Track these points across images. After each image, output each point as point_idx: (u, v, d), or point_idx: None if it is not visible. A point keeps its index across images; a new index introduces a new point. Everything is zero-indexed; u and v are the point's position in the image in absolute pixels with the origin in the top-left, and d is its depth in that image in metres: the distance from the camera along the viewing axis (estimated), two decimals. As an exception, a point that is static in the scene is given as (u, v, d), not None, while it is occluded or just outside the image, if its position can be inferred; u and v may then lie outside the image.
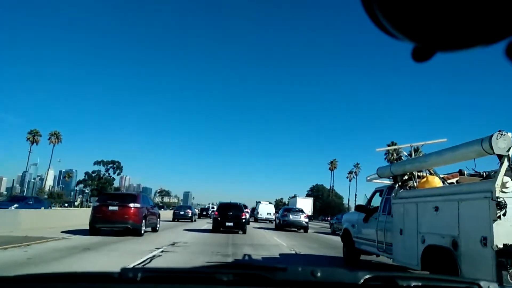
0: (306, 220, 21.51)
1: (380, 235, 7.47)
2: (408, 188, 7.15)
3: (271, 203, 39.13)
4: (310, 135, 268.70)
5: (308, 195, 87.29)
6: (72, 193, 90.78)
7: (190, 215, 27.37)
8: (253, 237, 15.50)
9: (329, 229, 24.95)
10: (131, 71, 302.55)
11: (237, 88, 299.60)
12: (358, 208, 8.81)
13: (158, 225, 14.93)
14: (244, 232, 16.15)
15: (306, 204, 44.35)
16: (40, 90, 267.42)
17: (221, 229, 15.88)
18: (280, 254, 10.35)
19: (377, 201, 8.69)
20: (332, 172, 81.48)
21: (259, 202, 38.67)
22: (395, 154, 50.94)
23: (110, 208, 11.99)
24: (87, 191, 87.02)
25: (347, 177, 78.37)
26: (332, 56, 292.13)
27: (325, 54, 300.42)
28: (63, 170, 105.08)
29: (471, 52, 0.55)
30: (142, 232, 12.48)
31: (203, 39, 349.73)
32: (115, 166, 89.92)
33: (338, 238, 18.05)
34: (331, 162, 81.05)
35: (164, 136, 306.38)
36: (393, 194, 7.20)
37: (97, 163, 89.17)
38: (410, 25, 0.53)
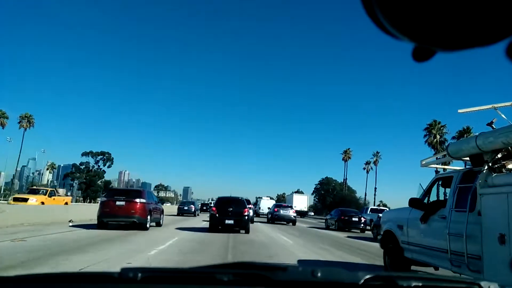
0: (294, 214, 26.44)
1: (455, 243, 5.58)
2: (504, 171, 5.07)
3: (272, 199, 42.92)
4: (313, 128, 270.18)
5: (316, 189, 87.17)
6: (72, 188, 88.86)
7: (193, 210, 31.77)
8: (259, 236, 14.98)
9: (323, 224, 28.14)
10: (132, 67, 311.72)
11: (238, 83, 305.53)
12: (413, 203, 6.70)
13: (162, 220, 16.47)
14: (247, 232, 14.82)
15: (302, 201, 50.79)
16: (41, 86, 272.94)
17: (219, 227, 14.57)
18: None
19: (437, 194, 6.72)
20: (346, 163, 77.57)
21: (260, 197, 42.41)
22: (438, 136, 46.67)
23: (117, 203, 13.17)
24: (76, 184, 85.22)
25: (364, 168, 73.55)
26: (334, 53, 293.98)
27: (327, 51, 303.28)
28: (62, 165, 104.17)
29: (471, 52, 0.57)
30: (148, 226, 13.76)
31: (204, 36, 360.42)
32: (105, 157, 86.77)
33: (330, 232, 21.56)
34: (345, 152, 77.24)
35: (164, 131, 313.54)
36: (480, 181, 5.17)
37: (85, 154, 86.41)
38: (410, 25, 0.55)
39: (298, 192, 58.94)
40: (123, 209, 13.10)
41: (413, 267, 7.10)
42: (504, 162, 5.21)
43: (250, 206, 21.88)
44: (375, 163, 71.13)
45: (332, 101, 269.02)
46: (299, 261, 8.57)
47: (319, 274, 1.12)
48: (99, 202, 14.83)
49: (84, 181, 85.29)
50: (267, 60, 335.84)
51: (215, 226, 14.59)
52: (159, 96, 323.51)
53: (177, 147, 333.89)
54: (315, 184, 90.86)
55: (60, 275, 1.22)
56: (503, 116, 5.43)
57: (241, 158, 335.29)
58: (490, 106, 5.70)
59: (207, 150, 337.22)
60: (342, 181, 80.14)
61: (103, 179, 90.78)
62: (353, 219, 22.87)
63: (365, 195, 73.41)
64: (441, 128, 47.64)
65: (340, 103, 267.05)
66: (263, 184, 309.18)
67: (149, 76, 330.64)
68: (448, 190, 6.48)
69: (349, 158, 76.97)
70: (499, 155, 5.21)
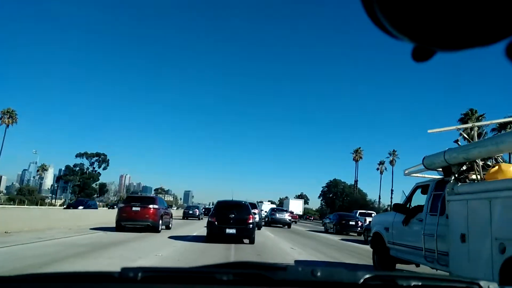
0: (290, 218, 30.80)
1: (428, 242, 6.97)
2: (467, 181, 6.52)
3: (274, 203, 46.46)
4: (318, 129, 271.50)
5: (323, 192, 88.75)
6: (68, 192, 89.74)
7: (197, 214, 37.12)
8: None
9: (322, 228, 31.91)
10: (131, 69, 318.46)
11: (240, 84, 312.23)
12: (397, 207, 8.25)
13: (171, 224, 19.37)
14: (252, 242, 13.50)
15: (297, 205, 57.38)
16: (42, 87, 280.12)
17: (219, 237, 13.19)
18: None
19: (419, 200, 8.18)
20: (357, 163, 76.23)
21: (261, 202, 45.92)
22: (476, 128, 42.69)
23: (134, 208, 15.85)
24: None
25: (377, 169, 72.44)
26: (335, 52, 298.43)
27: (327, 50, 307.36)
28: (62, 168, 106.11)
29: (471, 52, 0.60)
30: (160, 229, 16.42)
31: (204, 37, 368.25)
32: (100, 159, 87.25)
33: (327, 235, 23.87)
34: (356, 151, 76.08)
35: (165, 135, 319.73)
36: (447, 190, 6.59)
37: (79, 155, 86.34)
38: (410, 25, 0.58)
39: (301, 196, 62.95)
40: (139, 214, 15.78)
41: (398, 265, 8.54)
42: (468, 174, 6.61)
43: (256, 211, 21.11)
44: (391, 163, 69.32)
45: (340, 100, 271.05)
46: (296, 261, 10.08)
47: (319, 274, 1.19)
48: (117, 207, 17.58)
49: (78, 183, 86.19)
50: (268, 60, 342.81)
51: (214, 236, 13.19)
52: (159, 98, 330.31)
53: (179, 151, 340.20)
54: (322, 187, 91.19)
55: (60, 275, 1.29)
56: (465, 136, 6.88)
57: (243, 160, 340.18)
58: (454, 127, 7.15)
59: (208, 152, 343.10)
60: (353, 182, 79.11)
61: (98, 182, 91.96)
62: (350, 223, 25.07)
63: (379, 198, 71.67)
64: (480, 118, 42.91)
65: (348, 102, 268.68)
66: (266, 188, 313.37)
67: (149, 77, 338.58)
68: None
69: (360, 158, 75.89)
70: (464, 168, 6.63)
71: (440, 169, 7.17)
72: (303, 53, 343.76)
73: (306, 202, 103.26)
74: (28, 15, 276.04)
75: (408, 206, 8.17)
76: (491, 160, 6.61)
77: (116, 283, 1.20)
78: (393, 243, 8.28)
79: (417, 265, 7.92)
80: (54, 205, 72.97)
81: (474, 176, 6.54)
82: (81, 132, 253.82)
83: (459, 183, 6.52)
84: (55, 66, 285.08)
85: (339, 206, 72.62)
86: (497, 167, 6.11)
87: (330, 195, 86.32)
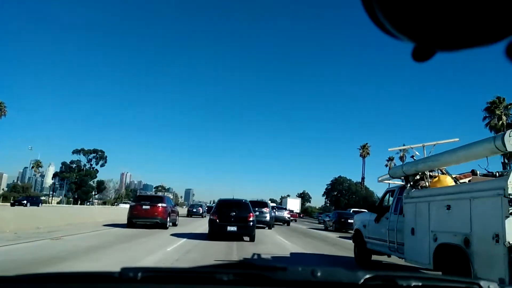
0: (289, 216, 33.88)
1: (391, 235, 8.82)
2: (420, 187, 8.80)
3: (275, 201, 50.42)
4: (322, 127, 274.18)
5: (327, 190, 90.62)
6: (64, 189, 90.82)
7: (201, 212, 41.30)
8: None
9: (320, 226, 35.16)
10: (131, 68, 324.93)
11: (240, 84, 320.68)
12: (370, 208, 10.54)
13: (177, 221, 21.97)
14: (252, 240, 14.72)
15: (295, 204, 63.09)
16: (45, 87, 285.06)
17: (220, 235, 14.35)
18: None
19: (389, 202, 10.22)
20: (364, 159, 76.76)
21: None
22: (504, 117, 40.40)
23: (144, 207, 18.25)
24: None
25: (386, 165, 70.70)
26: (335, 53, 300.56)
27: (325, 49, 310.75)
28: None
29: (471, 52, 0.65)
30: (167, 226, 18.75)
31: (206, 36, 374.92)
32: (98, 156, 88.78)
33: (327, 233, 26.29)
34: (363, 147, 76.38)
35: (166, 133, 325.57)
36: (404, 194, 8.59)
37: (76, 152, 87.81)
38: (410, 25, 0.63)
39: (302, 194, 66.17)
40: (148, 212, 18.08)
41: (374, 257, 10.67)
42: (420, 182, 8.85)
43: (266, 209, 23.53)
44: (401, 159, 64.37)
45: (345, 99, 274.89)
46: (291, 253, 12.21)
47: (319, 274, 1.27)
48: (129, 206, 19.68)
49: (75, 181, 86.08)
50: (269, 59, 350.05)
51: (216, 234, 14.40)
52: (160, 96, 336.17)
53: (180, 149, 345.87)
54: (326, 185, 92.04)
55: (60, 275, 1.37)
56: (417, 153, 9.16)
57: (245, 159, 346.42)
58: (408, 146, 9.47)
59: (210, 150, 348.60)
60: (360, 180, 79.44)
61: (96, 179, 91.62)
62: (349, 221, 26.37)
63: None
64: (508, 107, 41.69)
65: (353, 100, 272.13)
66: (268, 186, 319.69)
67: (149, 76, 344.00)
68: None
69: (368, 154, 75.54)
70: (418, 177, 8.87)
71: (402, 178, 9.46)
72: (303, 53, 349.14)
73: (308, 201, 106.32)
74: (28, 15, 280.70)
75: (380, 207, 10.37)
76: (438, 171, 8.84)
77: (116, 283, 1.28)
78: (369, 238, 10.15)
79: (389, 256, 9.89)
80: (49, 203, 74.86)
81: (424, 184, 8.81)
82: (82, 131, 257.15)
83: (413, 189, 8.77)
84: (55, 66, 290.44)
85: (345, 204, 73.04)
86: (437, 177, 8.38)
87: (335, 193, 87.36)
